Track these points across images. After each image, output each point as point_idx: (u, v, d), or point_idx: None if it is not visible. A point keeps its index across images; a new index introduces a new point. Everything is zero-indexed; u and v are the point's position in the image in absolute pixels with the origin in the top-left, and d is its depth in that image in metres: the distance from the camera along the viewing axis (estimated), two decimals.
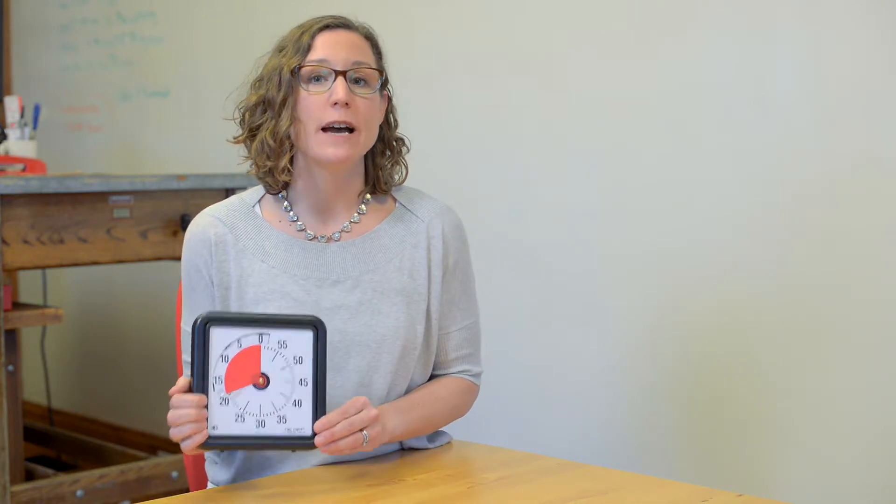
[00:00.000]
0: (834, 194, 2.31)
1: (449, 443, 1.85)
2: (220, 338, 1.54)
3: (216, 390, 1.54)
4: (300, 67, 1.70)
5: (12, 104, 3.47)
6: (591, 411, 2.72)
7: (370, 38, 1.77)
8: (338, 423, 1.57)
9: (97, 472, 3.11)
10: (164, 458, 3.30)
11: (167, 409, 1.57)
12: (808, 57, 2.33)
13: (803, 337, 2.36)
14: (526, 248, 2.85)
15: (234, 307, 1.72)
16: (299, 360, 1.57)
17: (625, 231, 2.64)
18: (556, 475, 1.68)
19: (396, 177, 1.83)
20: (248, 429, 1.56)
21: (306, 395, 1.57)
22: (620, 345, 2.66)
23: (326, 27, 1.73)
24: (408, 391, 1.78)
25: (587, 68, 2.70)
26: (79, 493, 3.03)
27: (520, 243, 2.86)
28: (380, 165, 1.80)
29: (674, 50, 2.54)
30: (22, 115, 3.44)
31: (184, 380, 1.56)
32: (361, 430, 1.59)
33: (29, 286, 4.20)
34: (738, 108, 2.43)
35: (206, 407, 1.54)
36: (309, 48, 1.71)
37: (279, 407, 1.57)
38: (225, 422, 1.55)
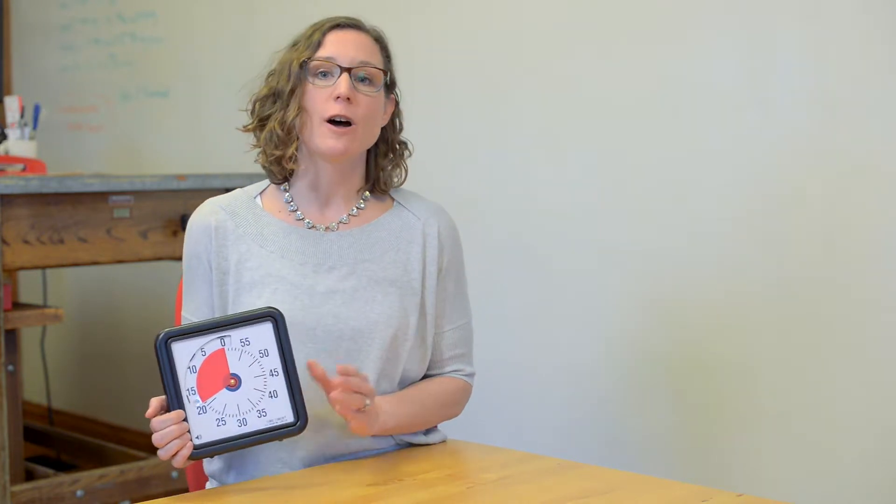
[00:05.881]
0: (834, 194, 2.30)
1: (444, 441, 1.87)
2: (182, 351, 1.59)
3: (191, 402, 1.58)
4: (309, 61, 1.76)
5: (12, 104, 3.46)
6: (590, 411, 2.72)
7: (379, 41, 1.84)
8: (354, 375, 1.61)
9: (97, 472, 3.11)
10: None
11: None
12: (808, 57, 2.33)
13: (803, 336, 2.36)
14: (525, 247, 2.84)
15: (232, 291, 1.76)
16: (265, 353, 1.61)
17: (625, 231, 2.64)
18: (556, 475, 1.68)
19: (396, 179, 1.88)
20: (231, 430, 1.59)
21: (280, 384, 1.61)
22: (620, 344, 2.66)
23: (338, 26, 1.80)
24: (401, 385, 1.80)
25: (587, 68, 2.70)
26: (79, 493, 3.03)
27: (519, 243, 2.86)
28: (381, 166, 1.85)
29: (674, 50, 2.54)
30: (22, 115, 3.44)
31: (156, 400, 1.61)
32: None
33: (29, 286, 4.20)
34: (738, 108, 2.43)
35: (186, 420, 1.58)
36: (319, 45, 1.78)
37: (256, 402, 1.60)
38: (207, 429, 1.59)
